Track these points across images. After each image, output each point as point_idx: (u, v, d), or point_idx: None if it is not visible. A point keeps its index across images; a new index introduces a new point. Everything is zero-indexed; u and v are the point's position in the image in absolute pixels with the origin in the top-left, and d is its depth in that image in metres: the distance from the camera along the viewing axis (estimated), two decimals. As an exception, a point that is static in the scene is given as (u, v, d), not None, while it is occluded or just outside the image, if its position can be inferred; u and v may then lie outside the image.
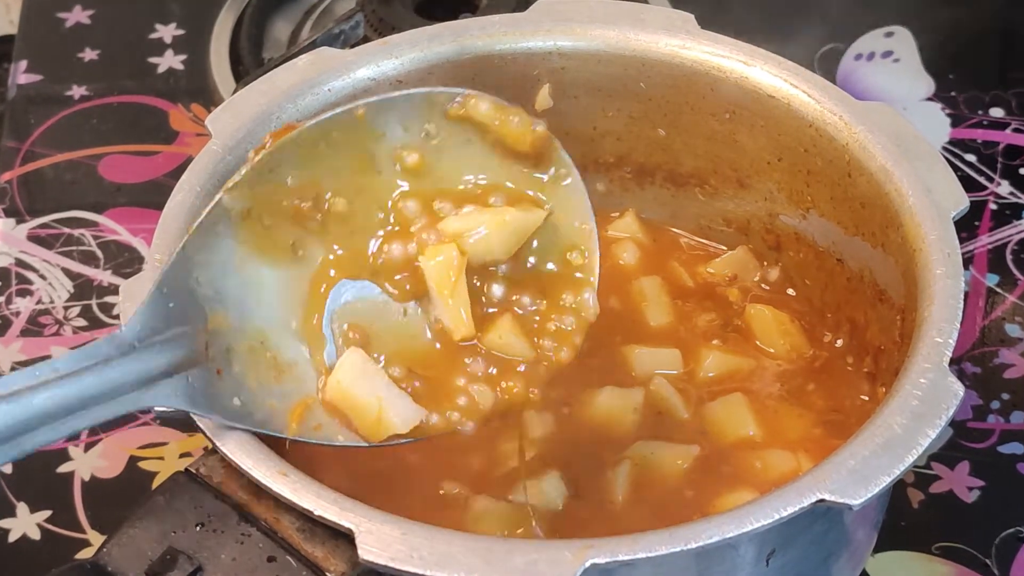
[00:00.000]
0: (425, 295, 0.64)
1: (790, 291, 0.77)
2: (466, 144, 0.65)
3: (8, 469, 0.81)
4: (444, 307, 0.63)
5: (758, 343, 0.74)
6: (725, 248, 0.80)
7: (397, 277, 0.64)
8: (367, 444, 0.62)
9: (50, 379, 0.53)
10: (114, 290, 0.90)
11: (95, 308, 0.89)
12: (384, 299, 0.64)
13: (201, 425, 0.58)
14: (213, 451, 0.58)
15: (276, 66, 0.75)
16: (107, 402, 0.54)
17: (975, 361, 0.84)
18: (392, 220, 0.64)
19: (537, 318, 0.65)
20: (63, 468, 0.81)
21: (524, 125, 0.64)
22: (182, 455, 0.81)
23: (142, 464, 0.81)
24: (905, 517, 0.76)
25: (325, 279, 0.63)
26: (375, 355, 0.63)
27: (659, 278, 0.77)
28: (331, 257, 0.63)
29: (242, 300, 0.61)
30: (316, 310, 0.63)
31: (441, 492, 0.67)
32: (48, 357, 0.86)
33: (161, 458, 0.81)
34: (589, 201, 0.66)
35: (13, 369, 0.86)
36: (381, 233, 0.64)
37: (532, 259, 0.66)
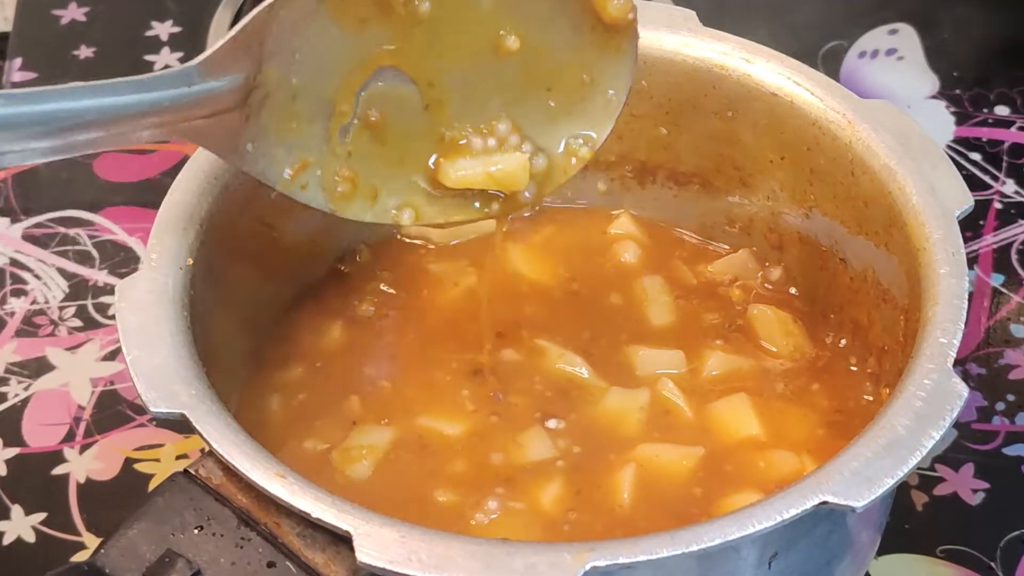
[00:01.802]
0: None
1: (792, 291, 0.77)
2: None
3: (3, 471, 0.80)
4: None
5: (761, 343, 0.74)
6: (727, 247, 0.80)
7: None
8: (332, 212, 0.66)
9: (111, 84, 0.58)
10: (110, 290, 0.90)
11: (90, 308, 0.89)
12: (416, 99, 0.66)
13: (198, 427, 0.57)
14: (211, 453, 0.58)
15: (273, 63, 0.75)
16: (152, 116, 0.59)
17: (980, 362, 0.84)
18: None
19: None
20: (58, 470, 0.80)
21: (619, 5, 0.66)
22: (178, 457, 0.81)
23: (138, 466, 0.80)
24: (909, 519, 0.76)
25: (377, 60, 0.65)
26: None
27: (661, 277, 0.77)
28: (391, 47, 0.65)
29: (294, 54, 0.63)
30: (355, 83, 0.65)
31: (441, 500, 0.66)
32: (43, 358, 0.86)
33: (157, 460, 0.81)
34: (631, 78, 0.68)
35: (7, 371, 0.86)
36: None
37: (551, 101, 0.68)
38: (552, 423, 0.70)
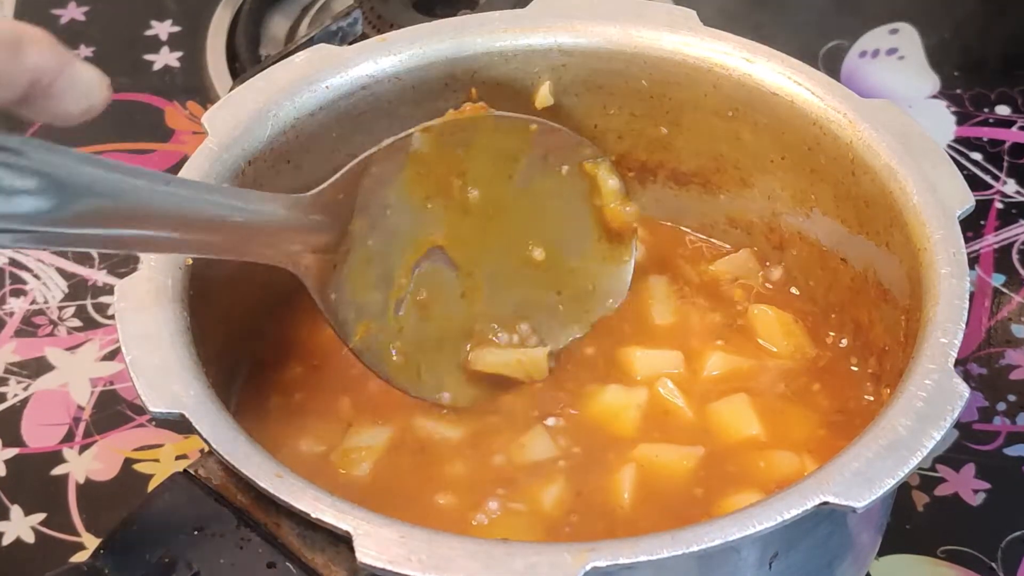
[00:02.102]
0: None
1: (793, 290, 0.77)
2: (579, 196, 0.73)
3: (2, 471, 0.80)
4: None
5: (761, 343, 0.74)
6: (728, 247, 0.80)
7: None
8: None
9: (239, 192, 0.63)
10: (109, 290, 0.90)
11: (90, 308, 0.89)
12: (456, 285, 0.71)
13: (197, 427, 0.57)
14: (210, 453, 0.57)
15: (273, 63, 0.75)
16: (268, 233, 0.61)
17: (981, 362, 0.84)
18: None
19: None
20: (58, 470, 0.80)
21: (630, 212, 0.73)
22: (178, 457, 0.81)
23: (137, 466, 0.80)
24: (910, 520, 0.76)
25: (432, 240, 0.70)
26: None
27: (666, 277, 0.77)
28: (445, 229, 0.70)
29: (376, 218, 0.67)
30: (413, 258, 0.69)
31: (441, 502, 0.66)
32: (42, 358, 0.86)
33: (156, 460, 0.80)
34: (627, 288, 0.75)
35: (7, 372, 0.85)
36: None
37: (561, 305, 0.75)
38: (551, 421, 0.70)
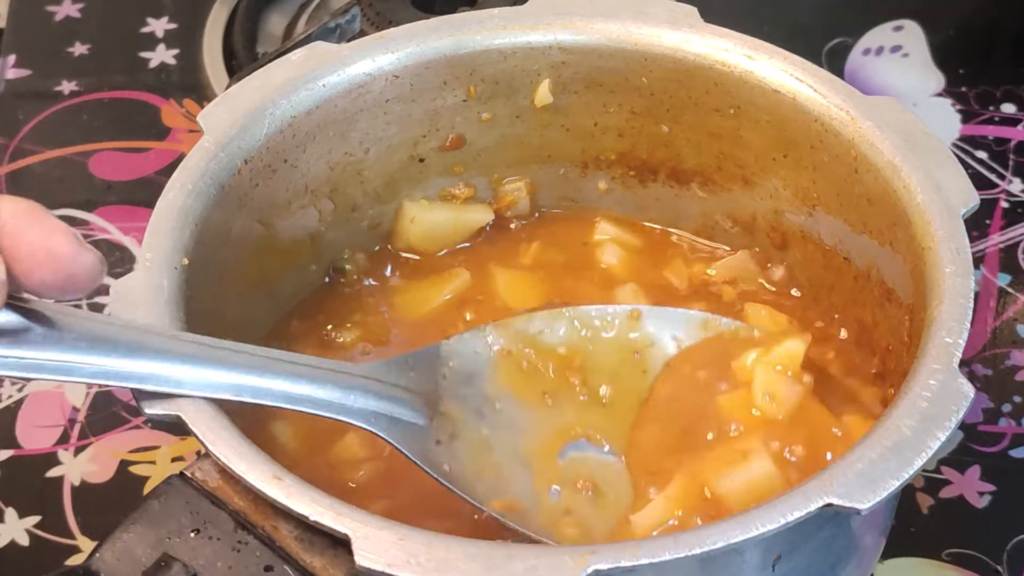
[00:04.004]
0: None
1: (795, 292, 0.77)
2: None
3: (-4, 473, 0.80)
4: None
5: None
6: (728, 248, 0.79)
7: None
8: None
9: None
10: (104, 290, 0.88)
11: (84, 309, 0.88)
12: (617, 466, 0.67)
13: (193, 429, 0.57)
14: (207, 455, 0.57)
15: (270, 61, 0.75)
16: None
17: (986, 363, 0.84)
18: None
19: None
20: (53, 472, 0.80)
21: None
22: (174, 459, 0.81)
23: (133, 468, 0.80)
24: (914, 522, 0.76)
25: (571, 434, 0.67)
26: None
27: (635, 284, 0.77)
28: (581, 421, 0.67)
29: (480, 410, 0.66)
30: (551, 450, 0.66)
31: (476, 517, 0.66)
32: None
33: (152, 462, 0.80)
34: None
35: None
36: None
37: None
38: None
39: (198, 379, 0.57)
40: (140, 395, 0.57)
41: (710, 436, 0.66)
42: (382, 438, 0.61)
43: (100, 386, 0.81)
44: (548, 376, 0.68)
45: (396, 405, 0.63)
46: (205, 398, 0.57)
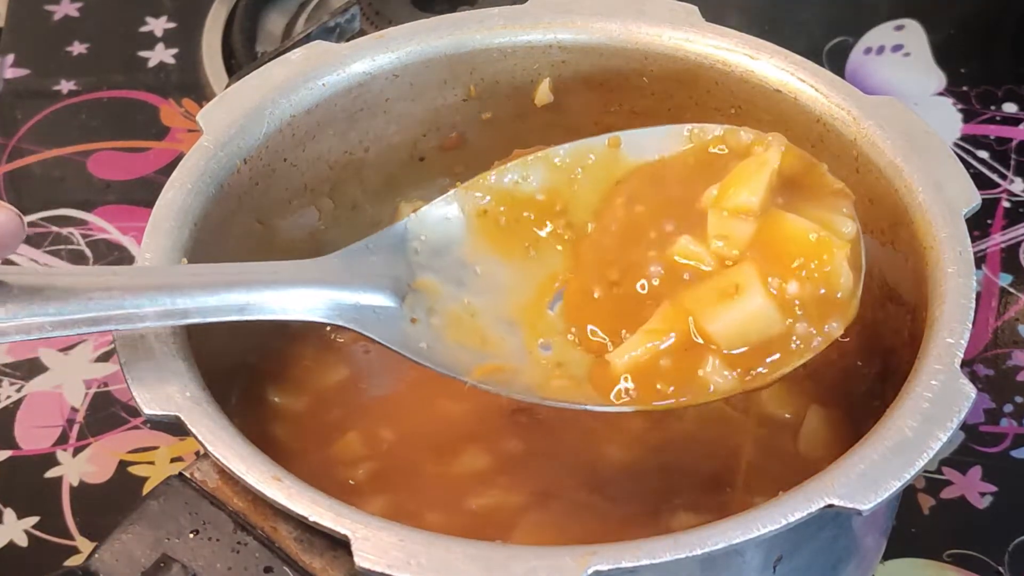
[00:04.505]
0: None
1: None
2: None
3: (-5, 473, 0.80)
4: None
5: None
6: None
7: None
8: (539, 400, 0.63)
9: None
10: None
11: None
12: None
13: (192, 429, 0.57)
14: (206, 455, 0.57)
15: (270, 60, 0.75)
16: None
17: (987, 363, 0.84)
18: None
19: None
20: (51, 473, 0.80)
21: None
22: (173, 459, 0.80)
23: (132, 469, 0.80)
24: (915, 523, 0.76)
25: (556, 280, 0.66)
26: None
27: None
28: (569, 266, 0.66)
29: (459, 278, 0.65)
30: (539, 303, 0.65)
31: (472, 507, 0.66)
32: (36, 359, 0.86)
33: (152, 463, 0.80)
34: None
35: (0, 373, 0.85)
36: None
37: None
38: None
39: (157, 309, 0.57)
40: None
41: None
42: (351, 329, 0.61)
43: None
44: (530, 227, 0.67)
45: (360, 291, 0.62)
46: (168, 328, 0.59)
